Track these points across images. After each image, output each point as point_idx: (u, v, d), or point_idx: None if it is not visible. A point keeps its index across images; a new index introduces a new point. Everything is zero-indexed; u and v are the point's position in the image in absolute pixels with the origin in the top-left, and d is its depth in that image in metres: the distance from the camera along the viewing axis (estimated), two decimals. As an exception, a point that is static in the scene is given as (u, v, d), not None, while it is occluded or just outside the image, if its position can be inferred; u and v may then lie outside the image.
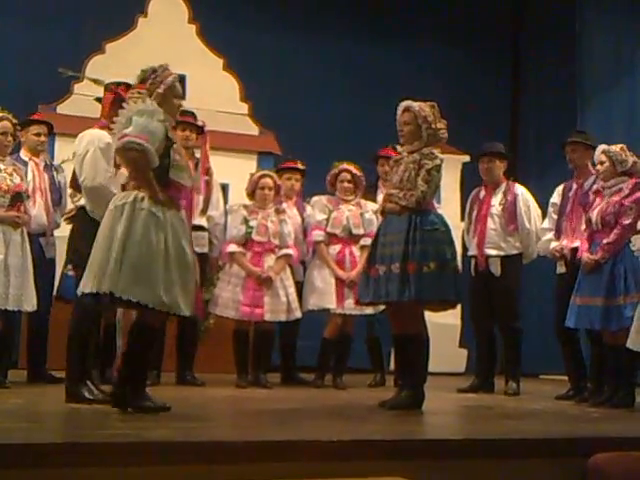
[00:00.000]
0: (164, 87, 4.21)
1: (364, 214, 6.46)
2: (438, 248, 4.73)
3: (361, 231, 6.42)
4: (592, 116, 8.06)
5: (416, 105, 4.89)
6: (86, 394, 4.50)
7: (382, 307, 5.55)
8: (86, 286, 4.08)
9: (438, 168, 4.83)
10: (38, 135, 6.13)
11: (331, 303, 6.31)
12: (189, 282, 4.17)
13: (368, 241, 6.26)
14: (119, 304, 4.13)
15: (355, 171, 6.51)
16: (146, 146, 4.00)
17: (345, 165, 6.51)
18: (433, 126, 4.86)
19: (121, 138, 4.04)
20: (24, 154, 6.10)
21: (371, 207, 6.45)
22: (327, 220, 6.45)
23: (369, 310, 6.14)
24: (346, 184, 6.50)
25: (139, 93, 4.21)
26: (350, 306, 6.25)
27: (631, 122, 7.59)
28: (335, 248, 6.43)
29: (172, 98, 4.27)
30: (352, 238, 6.44)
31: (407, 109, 4.90)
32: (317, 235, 6.45)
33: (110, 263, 3.98)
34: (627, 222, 5.30)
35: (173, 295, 4.05)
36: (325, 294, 6.32)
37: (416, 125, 4.86)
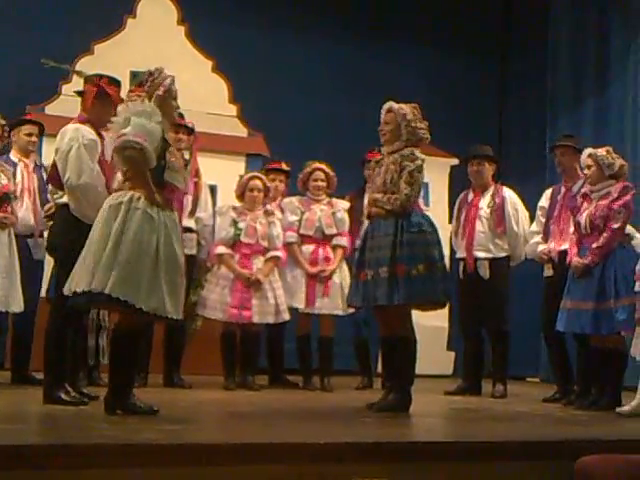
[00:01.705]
0: (163, 89, 4.24)
1: (336, 213, 6.49)
2: (426, 250, 4.77)
3: (334, 231, 6.46)
4: (563, 124, 8.07)
5: (396, 105, 4.93)
6: (63, 396, 4.47)
7: (352, 309, 5.60)
8: (79, 285, 4.05)
9: (420, 169, 4.85)
10: (30, 135, 6.10)
11: (300, 303, 6.33)
12: (179, 285, 4.17)
13: (341, 240, 6.38)
14: (108, 303, 4.10)
15: (328, 170, 6.55)
16: (144, 145, 4.02)
17: (317, 164, 6.55)
18: (413, 125, 4.88)
19: (119, 137, 4.05)
20: (14, 155, 6.07)
21: (342, 206, 6.50)
22: (299, 221, 6.46)
23: (338, 311, 6.18)
24: (319, 183, 6.52)
25: (138, 96, 4.24)
26: (321, 306, 6.28)
27: (601, 129, 7.65)
28: (308, 248, 6.45)
29: (170, 100, 4.30)
30: (325, 238, 6.47)
31: (388, 110, 4.96)
32: (289, 236, 6.46)
33: (102, 261, 3.97)
34: (616, 226, 5.32)
35: (160, 298, 4.04)
36: (295, 293, 6.34)
37: (396, 124, 4.90)
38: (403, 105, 4.93)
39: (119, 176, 4.40)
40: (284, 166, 6.84)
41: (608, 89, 7.79)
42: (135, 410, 4.11)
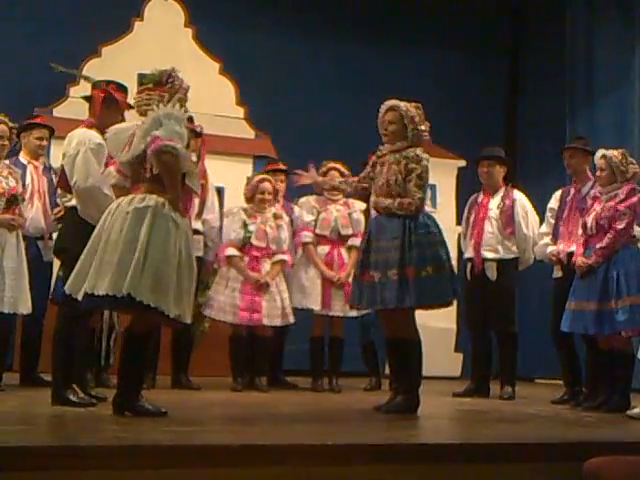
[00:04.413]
0: (183, 91, 4.31)
1: (352, 214, 6.47)
2: (433, 251, 4.74)
3: (349, 231, 6.44)
4: (580, 125, 8.06)
5: (402, 105, 4.87)
6: (71, 397, 4.48)
7: (365, 310, 5.56)
8: (97, 287, 4.01)
9: (427, 170, 4.81)
10: (40, 139, 6.10)
11: (315, 304, 6.32)
12: (192, 291, 4.22)
13: (356, 241, 6.33)
14: (132, 308, 4.07)
15: (343, 170, 6.52)
16: (180, 150, 4.03)
17: (333, 164, 6.53)
18: (419, 127, 4.84)
19: (154, 141, 4.02)
20: (23, 157, 6.08)
21: (359, 207, 6.47)
22: (315, 221, 6.46)
23: (353, 313, 6.16)
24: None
25: (160, 95, 4.23)
26: (336, 308, 6.27)
27: (619, 128, 7.62)
28: (324, 249, 6.43)
29: (185, 103, 4.33)
30: (341, 239, 6.45)
31: (392, 108, 4.89)
32: (305, 236, 6.45)
33: (131, 266, 3.95)
34: (620, 227, 5.31)
35: (183, 303, 4.09)
36: (311, 294, 6.33)
37: (402, 125, 4.85)
38: (408, 105, 4.88)
39: (112, 170, 4.37)
40: (282, 166, 6.84)
41: (625, 88, 7.76)
42: (143, 412, 4.11)
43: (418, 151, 4.82)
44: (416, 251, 4.69)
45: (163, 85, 4.27)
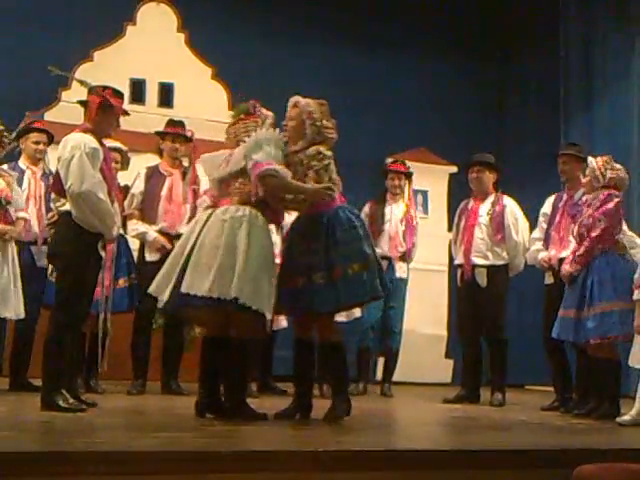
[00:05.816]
0: (271, 118, 4.73)
1: None
2: (357, 247, 4.52)
3: None
4: (575, 130, 8.10)
5: (303, 100, 4.72)
6: (61, 402, 4.47)
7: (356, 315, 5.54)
8: (193, 288, 4.30)
9: (326, 168, 4.60)
10: (37, 143, 6.07)
11: None
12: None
13: None
14: (233, 309, 4.34)
15: None
16: (280, 170, 4.44)
17: None
18: (318, 123, 4.65)
19: (256, 166, 4.42)
20: (23, 162, 6.06)
21: None
22: None
23: (341, 317, 6.11)
24: None
25: (255, 122, 4.67)
26: None
27: (613, 135, 7.66)
28: None
29: (274, 127, 4.71)
30: None
31: (294, 104, 4.75)
32: None
33: (236, 272, 4.29)
34: (594, 234, 5.33)
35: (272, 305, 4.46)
36: None
37: (300, 121, 4.67)
38: (310, 101, 4.72)
39: (206, 199, 4.78)
40: None
41: (622, 93, 7.79)
42: (249, 414, 4.44)
43: (321, 148, 4.62)
44: (340, 249, 4.48)
45: (254, 114, 4.70)
